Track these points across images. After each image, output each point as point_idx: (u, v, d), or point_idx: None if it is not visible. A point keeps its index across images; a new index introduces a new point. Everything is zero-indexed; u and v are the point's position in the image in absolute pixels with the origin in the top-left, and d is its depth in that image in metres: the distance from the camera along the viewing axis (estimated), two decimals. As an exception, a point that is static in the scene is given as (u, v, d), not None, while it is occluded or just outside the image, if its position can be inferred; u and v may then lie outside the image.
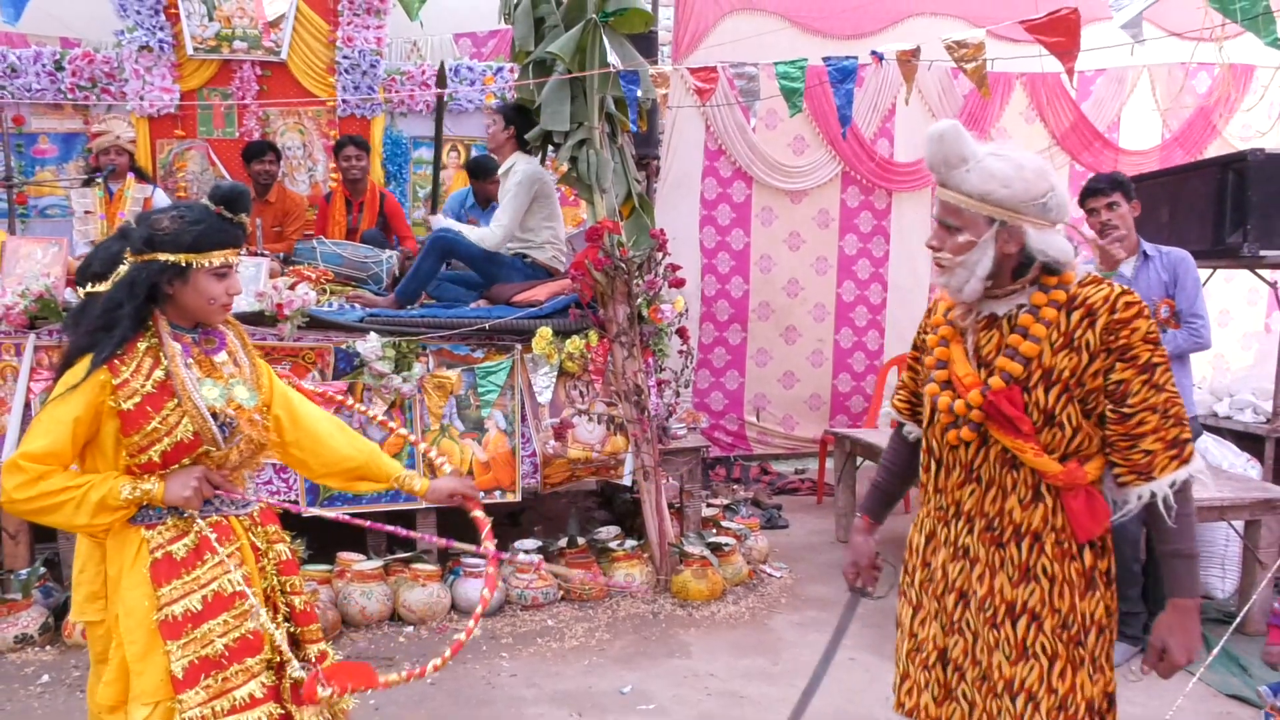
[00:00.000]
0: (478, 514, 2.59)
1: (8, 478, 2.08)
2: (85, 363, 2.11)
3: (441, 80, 5.91)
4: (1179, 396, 1.88)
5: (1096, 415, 1.93)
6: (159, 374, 2.17)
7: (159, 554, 2.17)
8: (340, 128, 6.48)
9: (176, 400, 2.18)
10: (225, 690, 2.16)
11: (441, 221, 5.45)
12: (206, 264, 2.18)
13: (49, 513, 2.11)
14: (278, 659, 2.29)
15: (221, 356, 2.29)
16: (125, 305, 2.14)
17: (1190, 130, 7.84)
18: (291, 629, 2.37)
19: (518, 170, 5.20)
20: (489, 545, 2.52)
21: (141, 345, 2.18)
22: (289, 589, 2.38)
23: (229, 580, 2.21)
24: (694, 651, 4.25)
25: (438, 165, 5.85)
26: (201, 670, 2.14)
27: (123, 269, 2.20)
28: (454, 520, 5.24)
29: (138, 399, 2.13)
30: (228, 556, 2.23)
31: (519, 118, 5.23)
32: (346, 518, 2.86)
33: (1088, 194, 4.14)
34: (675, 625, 4.54)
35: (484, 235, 5.20)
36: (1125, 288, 1.90)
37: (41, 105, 6.30)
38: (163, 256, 2.15)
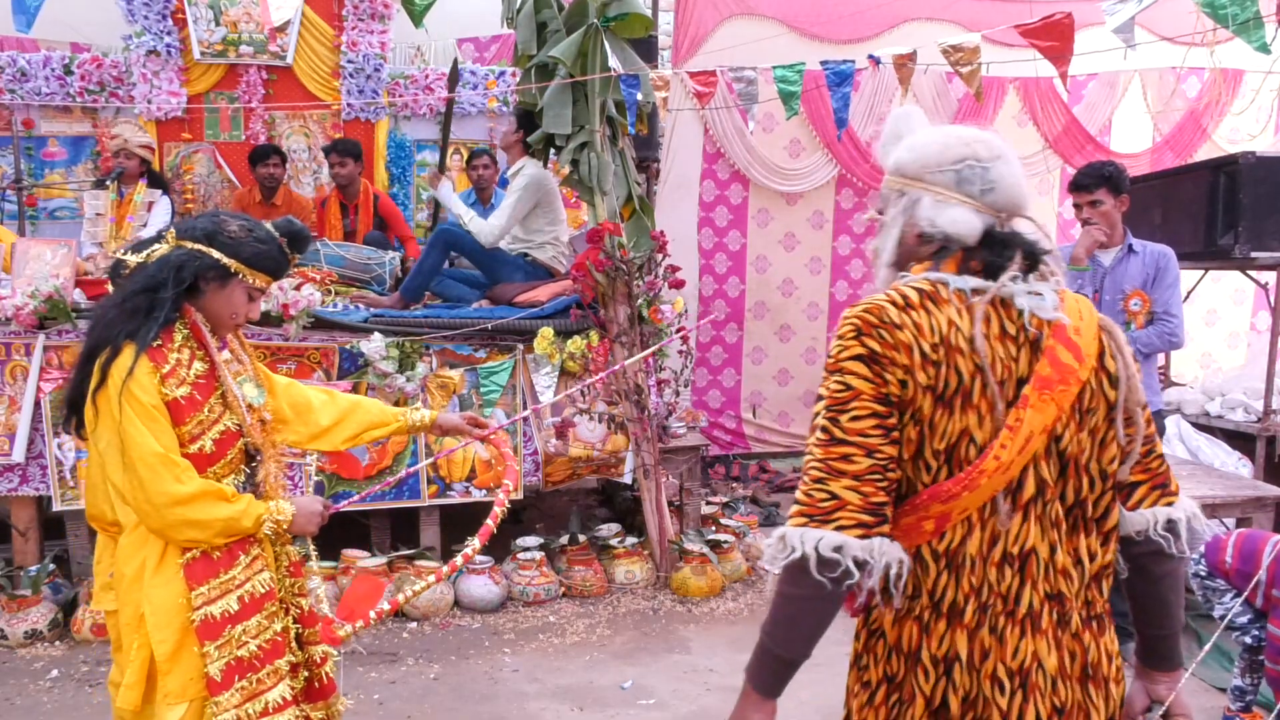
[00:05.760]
0: (501, 503, 2.53)
1: (164, 475, 2.05)
2: (130, 349, 2.09)
3: (454, 75, 5.97)
4: (818, 444, 1.46)
5: None
6: (199, 365, 2.20)
7: (194, 553, 2.16)
8: (345, 131, 6.52)
9: (220, 390, 2.22)
10: (258, 692, 2.18)
11: (446, 189, 5.50)
12: (250, 280, 2.23)
13: (197, 527, 2.11)
14: (293, 661, 2.32)
15: (225, 355, 2.32)
16: (168, 288, 2.14)
17: (1181, 133, 7.92)
18: (298, 630, 2.39)
19: (525, 174, 5.29)
20: (475, 543, 2.44)
21: (178, 336, 2.18)
22: (298, 590, 2.40)
23: (259, 581, 2.23)
24: (693, 647, 4.31)
25: (445, 140, 5.89)
26: (236, 672, 2.15)
27: (163, 247, 2.21)
28: (456, 518, 5.31)
29: (186, 388, 2.15)
30: (256, 558, 2.25)
31: (530, 121, 5.30)
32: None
33: (1072, 187, 4.05)
34: (675, 621, 4.61)
35: (481, 228, 5.28)
36: (872, 301, 1.50)
37: (51, 109, 6.34)
38: (216, 254, 2.18)
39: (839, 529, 1.41)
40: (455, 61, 6.19)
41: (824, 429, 1.46)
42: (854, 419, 1.43)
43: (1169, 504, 1.58)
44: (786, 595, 1.45)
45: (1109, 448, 1.52)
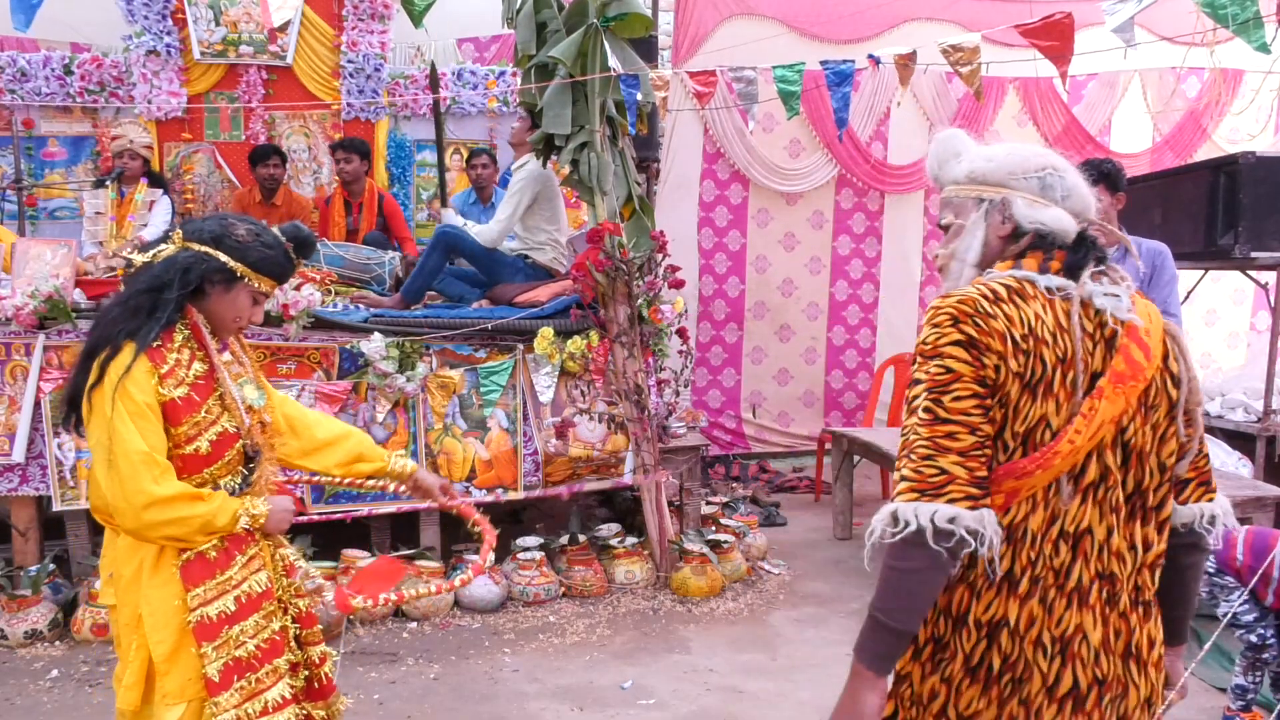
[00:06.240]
0: (485, 530, 2.64)
1: (143, 475, 2.05)
2: (130, 348, 2.09)
3: (434, 79, 5.99)
4: (922, 424, 1.54)
5: None
6: (199, 366, 2.20)
7: (190, 554, 2.16)
8: (345, 131, 6.53)
9: (219, 392, 2.21)
10: (257, 692, 2.18)
11: (450, 216, 5.53)
12: (255, 284, 2.24)
13: (175, 526, 2.10)
14: (292, 661, 2.32)
15: (226, 356, 2.33)
16: (174, 289, 2.14)
17: (1180, 133, 7.93)
18: (297, 630, 2.40)
19: (526, 169, 5.30)
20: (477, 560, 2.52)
21: (178, 336, 2.19)
22: (294, 591, 2.40)
23: (256, 581, 2.23)
24: (693, 647, 4.31)
25: (441, 157, 5.89)
26: (235, 672, 2.15)
27: (169, 249, 2.21)
28: (456, 519, 5.31)
29: (185, 389, 2.15)
30: (253, 557, 2.25)
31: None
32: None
33: None
34: (675, 621, 4.61)
35: (482, 231, 5.31)
36: (963, 293, 1.61)
37: (51, 109, 6.35)
38: (223, 258, 2.19)
39: (950, 501, 1.49)
40: (433, 65, 6.20)
41: (927, 409, 1.54)
42: (956, 399, 1.53)
43: (1210, 500, 1.71)
44: (900, 569, 1.52)
45: (1168, 443, 1.63)
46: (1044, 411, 1.54)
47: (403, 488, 2.65)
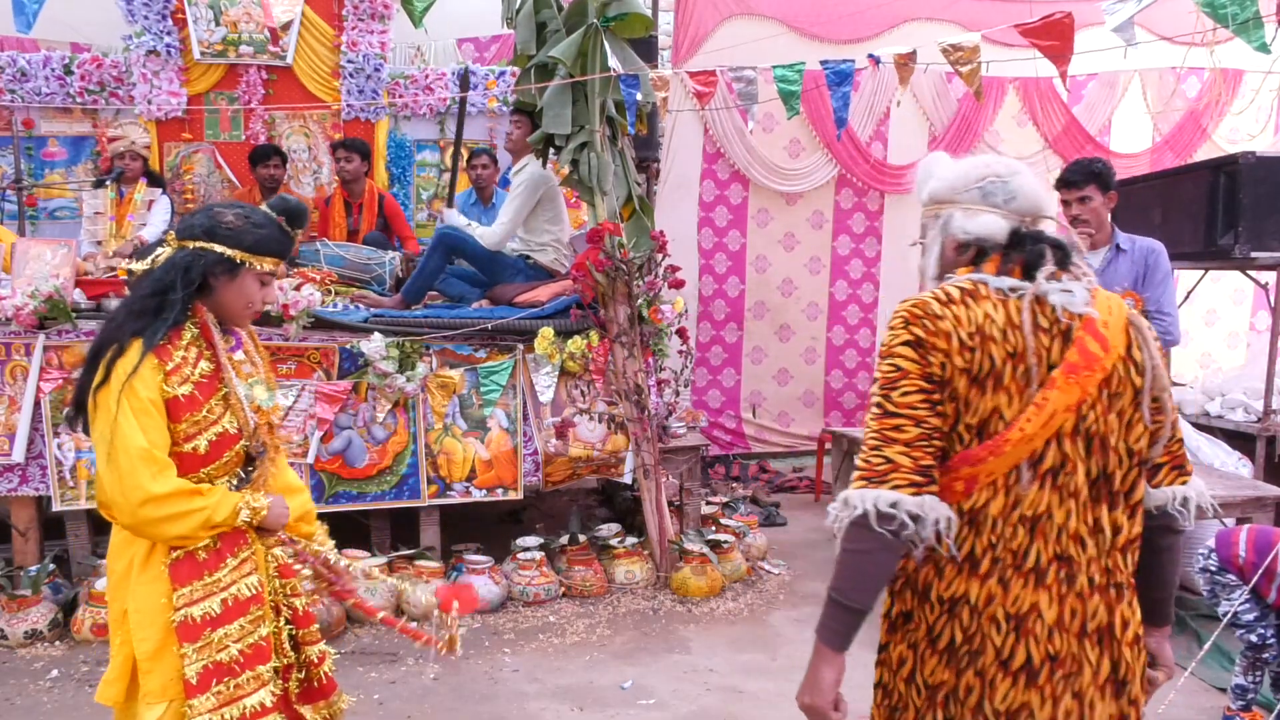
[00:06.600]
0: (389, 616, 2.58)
1: (141, 471, 2.04)
2: (137, 346, 2.09)
3: (465, 83, 6.00)
4: (873, 417, 1.68)
5: None
6: (205, 365, 2.18)
7: (179, 553, 2.15)
8: (345, 131, 6.53)
9: (224, 392, 2.20)
10: (236, 697, 2.15)
11: (452, 216, 5.53)
12: (258, 266, 2.22)
13: (174, 522, 2.09)
14: (284, 663, 2.31)
15: (239, 355, 2.31)
16: (177, 290, 2.14)
17: (1180, 133, 7.94)
18: (292, 631, 2.38)
19: (526, 171, 5.30)
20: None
21: (186, 334, 2.18)
22: (289, 591, 2.39)
23: (246, 585, 2.21)
24: (693, 647, 4.31)
25: (456, 160, 5.90)
26: (214, 676, 2.13)
27: (167, 251, 2.21)
28: (456, 518, 5.32)
29: (189, 387, 2.14)
30: (244, 560, 2.23)
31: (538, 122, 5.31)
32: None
33: (1060, 184, 3.98)
34: (675, 621, 4.61)
35: (485, 234, 5.31)
36: (919, 297, 1.72)
37: (51, 109, 6.35)
38: (219, 248, 2.18)
39: (894, 488, 1.61)
40: (466, 68, 6.20)
41: (878, 404, 1.67)
42: (903, 395, 1.64)
43: (1184, 483, 1.80)
44: (852, 550, 1.65)
45: (1135, 428, 1.69)
46: (996, 404, 1.64)
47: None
